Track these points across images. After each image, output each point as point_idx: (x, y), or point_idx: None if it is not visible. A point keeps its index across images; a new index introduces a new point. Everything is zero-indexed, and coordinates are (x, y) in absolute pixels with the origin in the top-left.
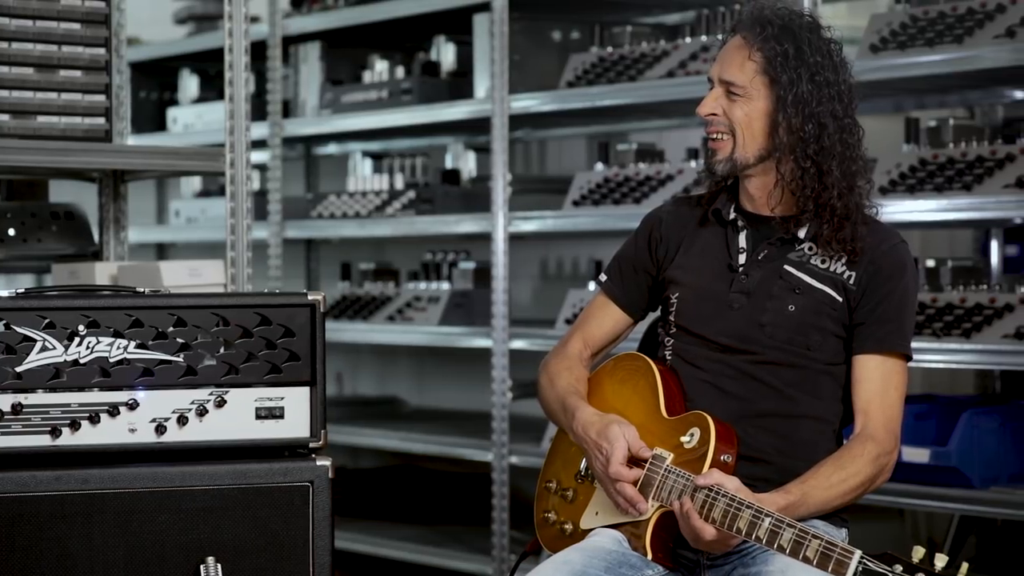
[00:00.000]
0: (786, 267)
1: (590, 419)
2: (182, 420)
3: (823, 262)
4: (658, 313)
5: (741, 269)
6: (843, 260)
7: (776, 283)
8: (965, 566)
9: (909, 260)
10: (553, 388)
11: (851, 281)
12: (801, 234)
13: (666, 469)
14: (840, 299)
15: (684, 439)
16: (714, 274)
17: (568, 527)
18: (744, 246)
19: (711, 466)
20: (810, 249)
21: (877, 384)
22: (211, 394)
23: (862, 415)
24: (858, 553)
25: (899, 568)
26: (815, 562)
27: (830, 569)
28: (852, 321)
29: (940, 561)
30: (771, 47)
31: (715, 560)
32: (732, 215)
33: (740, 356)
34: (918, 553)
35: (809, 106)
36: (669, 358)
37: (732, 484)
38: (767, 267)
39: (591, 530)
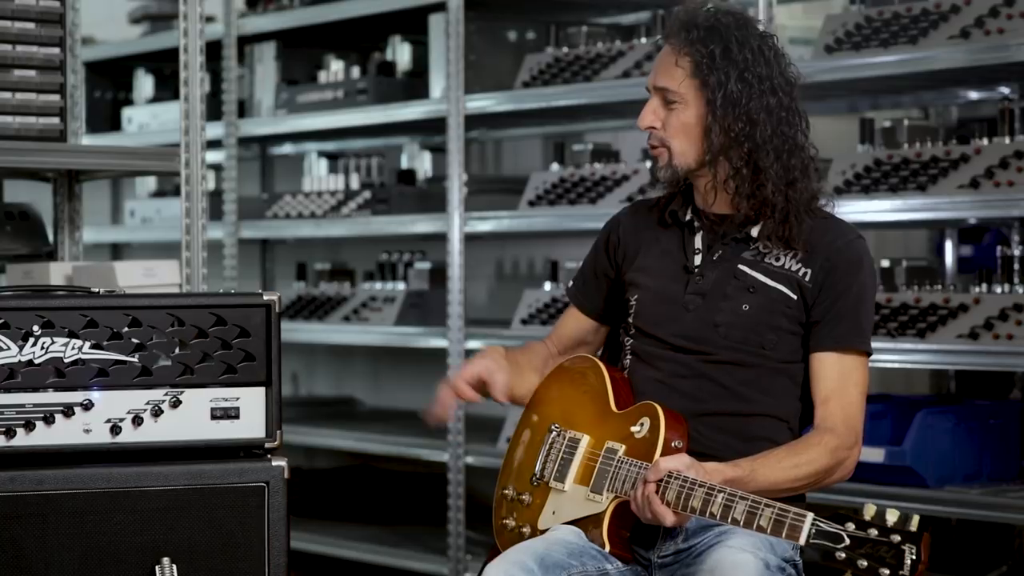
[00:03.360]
0: (740, 266)
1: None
2: (137, 420)
3: (778, 260)
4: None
5: (696, 270)
6: (797, 257)
7: (730, 283)
8: (916, 518)
9: (866, 256)
10: None
11: (807, 278)
12: (755, 233)
13: (619, 460)
14: (795, 297)
15: (634, 429)
16: (670, 276)
17: (527, 530)
18: (699, 247)
19: (662, 452)
20: (764, 247)
21: (834, 381)
22: (166, 394)
23: (821, 409)
24: (810, 515)
25: (852, 526)
26: (769, 530)
27: (784, 535)
28: (809, 319)
29: (892, 516)
30: (697, 50)
31: (665, 559)
32: (688, 216)
33: (693, 356)
34: (869, 511)
35: (739, 105)
36: (629, 359)
37: (682, 463)
38: (721, 267)
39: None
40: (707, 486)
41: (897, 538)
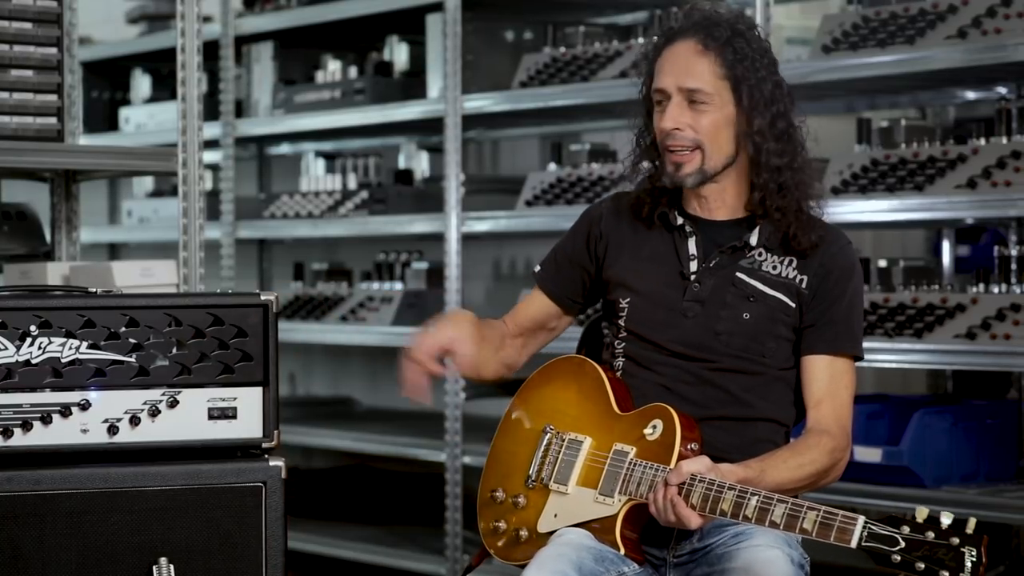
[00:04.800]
0: (738, 274)
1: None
2: (134, 420)
3: (774, 268)
4: (596, 313)
5: (693, 277)
6: (793, 264)
7: (729, 291)
8: (973, 521)
9: (857, 261)
10: None
11: (803, 285)
12: (752, 240)
13: (631, 463)
14: (793, 305)
15: (647, 431)
16: (665, 281)
17: (524, 533)
18: (694, 252)
19: (678, 456)
20: (760, 255)
21: (826, 383)
22: (163, 394)
23: (814, 411)
24: (862, 519)
25: (907, 529)
26: (814, 533)
27: (832, 538)
28: (802, 323)
29: (947, 518)
30: (731, 51)
31: (680, 558)
32: (679, 220)
33: (696, 363)
34: (922, 513)
35: (769, 108)
36: (621, 361)
37: (704, 465)
38: (719, 275)
39: (550, 533)
40: (737, 489)
41: (956, 540)
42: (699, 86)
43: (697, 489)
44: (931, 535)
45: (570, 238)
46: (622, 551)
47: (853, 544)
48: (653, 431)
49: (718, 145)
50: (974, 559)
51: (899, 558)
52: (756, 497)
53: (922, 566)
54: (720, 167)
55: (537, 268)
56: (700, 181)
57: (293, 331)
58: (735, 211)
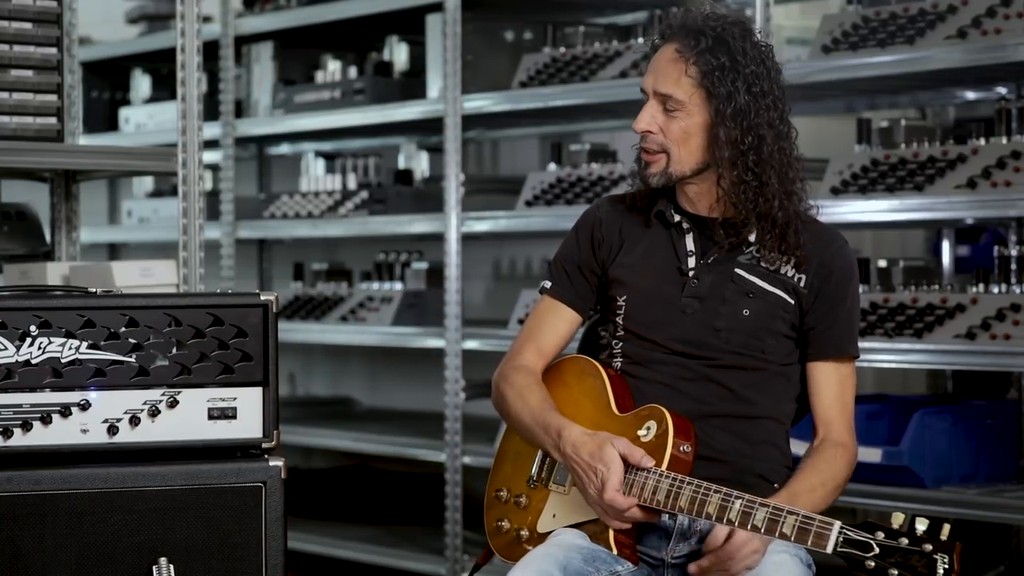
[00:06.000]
0: (737, 270)
1: (580, 439)
2: (134, 421)
3: (773, 264)
4: (597, 315)
5: (692, 273)
6: (792, 262)
7: (728, 287)
8: (947, 527)
9: (854, 261)
10: (526, 404)
11: (802, 284)
12: (750, 237)
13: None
14: (792, 302)
15: (641, 432)
16: (663, 277)
17: (524, 533)
18: (692, 249)
19: (671, 456)
20: (758, 252)
21: (835, 389)
22: (163, 394)
23: (825, 421)
24: (837, 524)
25: (881, 535)
26: (792, 537)
27: (809, 543)
28: (804, 325)
29: (921, 524)
30: (707, 60)
31: (678, 560)
32: (676, 217)
33: (696, 361)
34: (898, 519)
35: (747, 118)
36: (619, 361)
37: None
38: (717, 271)
39: (548, 533)
40: (723, 492)
41: (929, 547)
42: (670, 92)
43: (685, 491)
44: (905, 541)
45: (574, 246)
46: (615, 551)
47: (829, 549)
48: (647, 432)
49: (688, 151)
50: (946, 566)
51: (873, 564)
52: (740, 501)
53: (895, 572)
54: (688, 172)
55: (548, 284)
56: (665, 183)
57: (293, 331)
58: (729, 211)
